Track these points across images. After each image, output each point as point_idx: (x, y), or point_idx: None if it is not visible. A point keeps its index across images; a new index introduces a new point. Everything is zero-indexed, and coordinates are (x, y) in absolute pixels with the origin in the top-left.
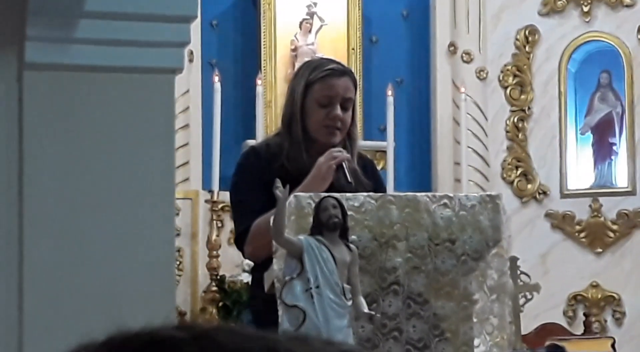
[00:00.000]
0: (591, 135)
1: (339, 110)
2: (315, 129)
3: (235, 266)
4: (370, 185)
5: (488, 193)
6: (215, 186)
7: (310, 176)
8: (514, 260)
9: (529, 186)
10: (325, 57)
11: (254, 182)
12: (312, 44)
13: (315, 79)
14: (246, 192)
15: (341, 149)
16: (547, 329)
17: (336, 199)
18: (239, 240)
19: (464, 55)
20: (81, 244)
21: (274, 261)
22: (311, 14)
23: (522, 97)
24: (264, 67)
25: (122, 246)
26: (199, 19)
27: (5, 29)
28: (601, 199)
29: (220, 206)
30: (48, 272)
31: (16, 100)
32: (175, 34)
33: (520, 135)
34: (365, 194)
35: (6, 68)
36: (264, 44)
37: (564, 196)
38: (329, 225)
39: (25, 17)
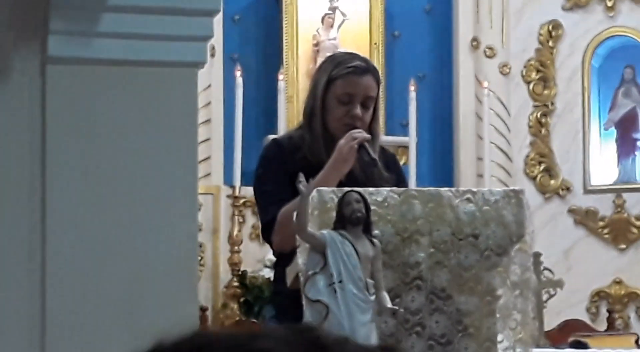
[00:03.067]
0: (615, 131)
1: (358, 109)
2: (335, 126)
3: (257, 261)
4: (392, 178)
5: (512, 188)
6: (237, 181)
7: (332, 159)
8: (537, 256)
9: (552, 182)
10: (350, 52)
11: (278, 173)
12: (334, 38)
13: (338, 76)
14: (271, 183)
15: (360, 129)
16: (570, 325)
17: (359, 193)
18: (266, 230)
19: (486, 50)
20: (103, 240)
21: (297, 255)
22: (333, 9)
23: (545, 92)
24: (285, 62)
25: (145, 241)
26: (220, 14)
27: (29, 22)
28: (625, 195)
29: (241, 201)
30: (70, 267)
31: (39, 94)
32: (198, 28)
33: (543, 130)
34: (388, 188)
35: (29, 62)
36: (285, 39)
37: (587, 191)
38: (352, 219)
39: (48, 11)
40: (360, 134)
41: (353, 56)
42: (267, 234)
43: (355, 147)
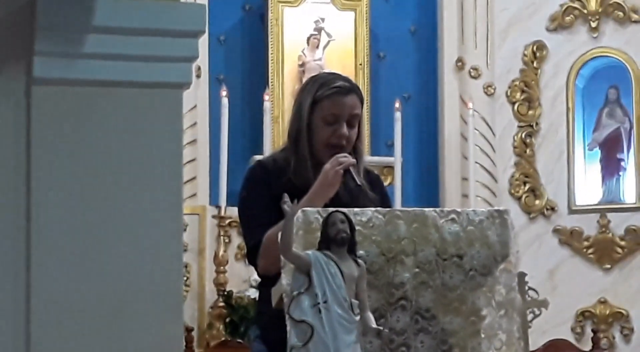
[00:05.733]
0: (599, 151)
1: (345, 129)
2: (321, 147)
3: (243, 281)
4: (377, 199)
5: (496, 208)
6: (223, 201)
7: (317, 183)
8: (522, 275)
9: (537, 202)
10: (332, 72)
11: (263, 196)
12: (320, 59)
13: (323, 97)
14: (256, 206)
15: (346, 154)
16: (555, 346)
17: (344, 214)
18: (251, 254)
19: (471, 70)
20: (88, 260)
21: (282, 276)
22: (319, 30)
23: (530, 112)
24: (271, 82)
25: (130, 261)
26: (206, 35)
27: (14, 44)
28: (609, 215)
29: (227, 221)
30: (55, 287)
31: (24, 115)
32: (183, 49)
33: (528, 151)
34: (373, 209)
35: (14, 83)
36: (271, 60)
37: (571, 211)
38: (337, 240)
39: (34, 32)
40: (346, 158)
41: (336, 76)
42: (252, 257)
43: (341, 172)
